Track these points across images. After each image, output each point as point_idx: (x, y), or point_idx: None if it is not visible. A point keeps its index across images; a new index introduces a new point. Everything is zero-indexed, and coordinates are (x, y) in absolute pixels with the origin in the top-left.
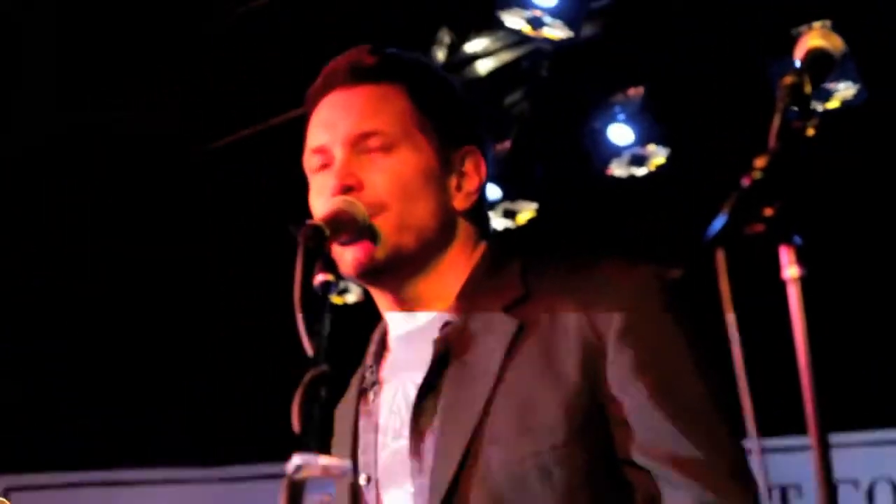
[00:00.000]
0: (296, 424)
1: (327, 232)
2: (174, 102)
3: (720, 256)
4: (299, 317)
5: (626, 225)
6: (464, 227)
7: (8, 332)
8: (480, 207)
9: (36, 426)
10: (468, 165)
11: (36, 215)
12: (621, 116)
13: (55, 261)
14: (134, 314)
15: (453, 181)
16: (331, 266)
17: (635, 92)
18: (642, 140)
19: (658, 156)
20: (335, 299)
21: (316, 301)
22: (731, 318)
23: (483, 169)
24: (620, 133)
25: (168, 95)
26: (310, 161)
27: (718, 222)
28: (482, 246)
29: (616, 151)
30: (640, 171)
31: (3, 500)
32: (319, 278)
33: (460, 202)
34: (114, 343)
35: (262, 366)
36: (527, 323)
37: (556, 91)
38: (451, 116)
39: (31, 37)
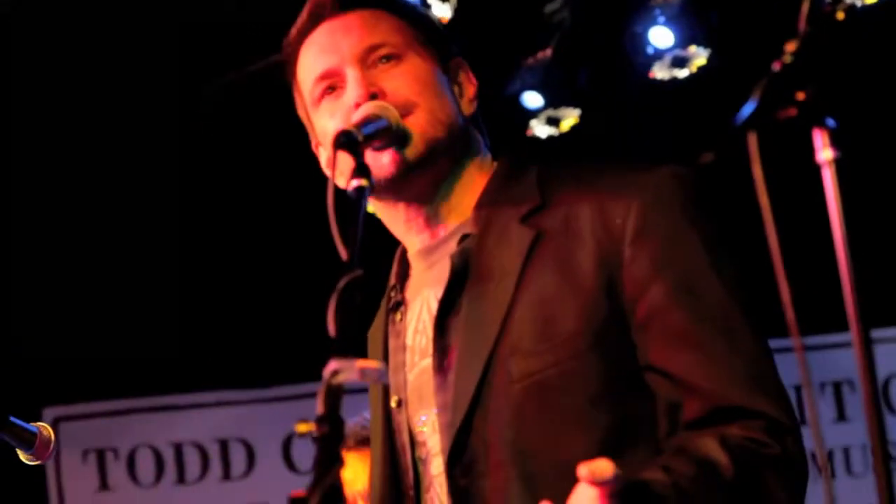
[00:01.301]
0: (331, 329)
1: (360, 137)
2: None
3: (752, 141)
4: (333, 222)
5: (670, 127)
6: (475, 136)
7: (60, 258)
8: (480, 120)
9: (82, 355)
10: (462, 75)
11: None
12: (661, 19)
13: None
14: (171, 238)
15: (455, 89)
16: (364, 171)
17: None
18: (683, 42)
19: (699, 57)
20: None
21: (350, 207)
22: (765, 203)
23: (474, 79)
24: (661, 35)
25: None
26: (313, 91)
27: (750, 107)
28: (490, 158)
29: (657, 54)
30: (682, 73)
31: (46, 425)
32: (353, 183)
33: (466, 107)
34: (158, 267)
35: (305, 285)
36: (543, 231)
37: None
38: (436, 32)
39: None
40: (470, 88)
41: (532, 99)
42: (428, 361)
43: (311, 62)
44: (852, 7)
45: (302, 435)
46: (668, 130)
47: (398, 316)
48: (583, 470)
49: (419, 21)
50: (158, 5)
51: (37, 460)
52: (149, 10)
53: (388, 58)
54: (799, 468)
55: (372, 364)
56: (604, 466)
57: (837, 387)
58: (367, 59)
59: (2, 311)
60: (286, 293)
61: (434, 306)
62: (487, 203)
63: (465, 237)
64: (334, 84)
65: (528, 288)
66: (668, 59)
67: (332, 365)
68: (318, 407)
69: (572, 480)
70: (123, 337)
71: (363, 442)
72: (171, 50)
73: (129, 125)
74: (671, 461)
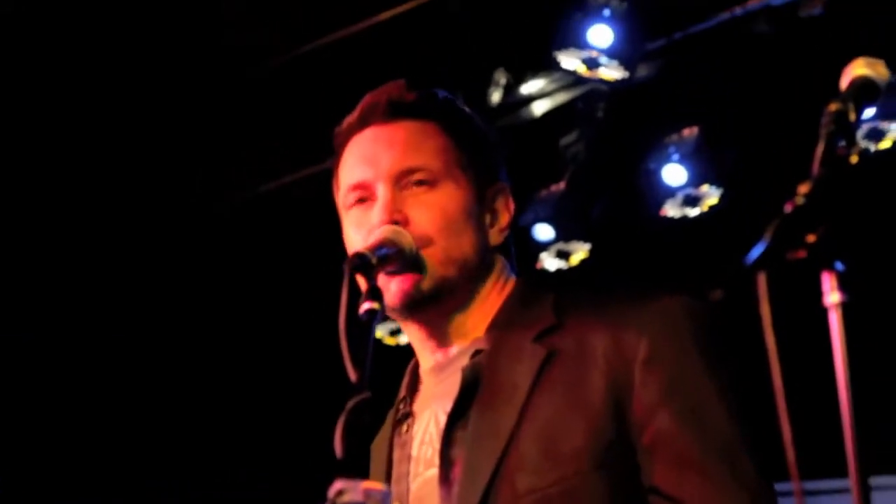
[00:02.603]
0: (338, 449)
1: (374, 260)
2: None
3: (762, 280)
4: (344, 344)
5: (679, 266)
6: (497, 263)
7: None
8: (510, 243)
9: None
10: (500, 202)
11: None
12: (675, 157)
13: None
14: (170, 349)
15: (487, 217)
16: (376, 295)
17: (690, 132)
18: (696, 180)
19: (711, 196)
20: (388, 340)
21: (360, 329)
22: (771, 343)
23: (511, 206)
24: (674, 173)
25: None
26: (346, 197)
27: (760, 246)
28: (513, 280)
29: (670, 192)
30: (694, 212)
31: None
32: (365, 306)
33: (494, 237)
34: (155, 377)
35: (311, 400)
36: (555, 351)
37: (610, 132)
38: (484, 154)
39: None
40: (504, 217)
41: (543, 231)
42: (433, 472)
43: (350, 168)
44: (866, 151)
45: None
46: (678, 268)
47: (405, 427)
48: None
49: (468, 139)
50: None
51: None
52: None
53: (422, 182)
54: None
55: (376, 486)
56: None
57: None
58: (402, 181)
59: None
60: (291, 418)
61: (442, 419)
62: (502, 322)
63: (477, 352)
64: (366, 196)
65: (536, 405)
66: (680, 197)
67: (338, 485)
68: None
69: None
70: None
71: None
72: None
73: None
74: None
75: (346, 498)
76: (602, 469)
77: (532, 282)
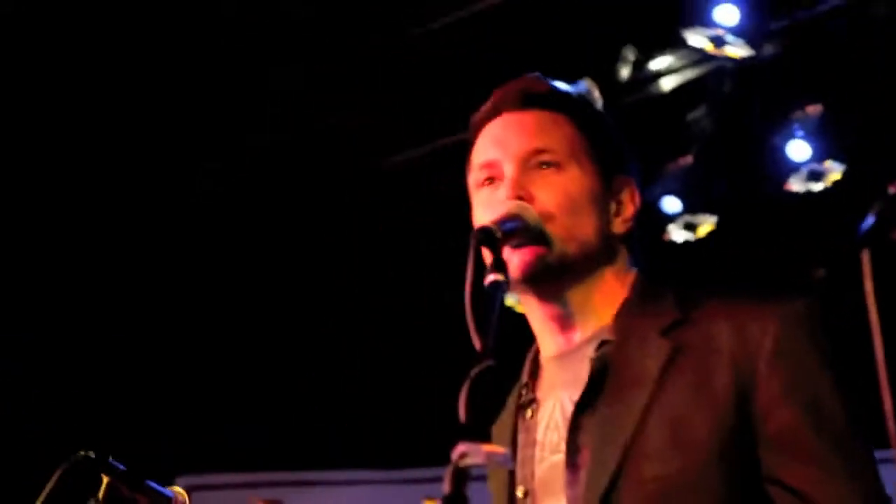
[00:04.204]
0: (462, 413)
1: (499, 234)
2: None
3: (866, 257)
4: (469, 314)
5: (801, 240)
6: (620, 252)
7: (201, 335)
8: (633, 236)
9: (218, 425)
10: (625, 194)
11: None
12: (800, 133)
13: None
14: (308, 318)
15: (612, 207)
16: (501, 267)
17: (814, 109)
18: (820, 156)
19: (835, 171)
20: (519, 308)
21: (486, 300)
22: (874, 318)
23: (638, 199)
24: (799, 149)
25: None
26: (477, 175)
27: (865, 224)
28: (634, 273)
29: (794, 167)
30: (817, 187)
31: (181, 490)
32: (490, 278)
33: (618, 227)
34: (302, 346)
35: (443, 371)
36: (682, 345)
37: (736, 108)
38: (612, 148)
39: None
40: (629, 208)
41: (671, 204)
42: (559, 457)
43: (482, 149)
44: None
45: None
46: (799, 242)
47: (529, 413)
48: None
49: (597, 131)
50: None
51: None
52: None
53: (548, 164)
54: None
55: (498, 449)
56: None
57: None
58: (529, 161)
59: (140, 377)
60: (424, 380)
61: (568, 406)
62: (627, 315)
63: (603, 343)
64: (494, 175)
65: (663, 396)
66: (804, 172)
67: (461, 448)
68: (445, 487)
69: None
70: (261, 411)
71: None
72: None
73: None
74: None
75: (468, 460)
76: (724, 459)
77: (652, 277)
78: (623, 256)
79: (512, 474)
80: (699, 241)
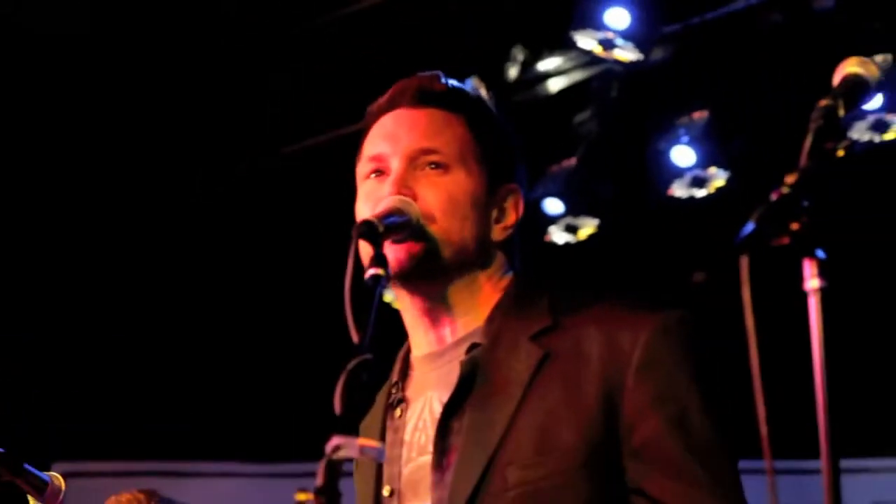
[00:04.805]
0: (337, 406)
1: (381, 228)
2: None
3: (744, 263)
4: (348, 307)
5: (682, 246)
6: (496, 257)
7: (85, 321)
8: (513, 243)
9: (95, 414)
10: (509, 202)
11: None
12: (685, 138)
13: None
14: (191, 313)
15: (494, 213)
16: (382, 261)
17: (700, 115)
18: (704, 162)
19: (718, 178)
20: (396, 304)
21: (365, 294)
22: (750, 324)
23: (521, 208)
24: (683, 154)
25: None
26: (364, 167)
27: (745, 230)
28: (510, 277)
29: (678, 172)
30: (700, 193)
31: (57, 475)
32: (370, 272)
33: (497, 234)
34: (173, 335)
35: (316, 367)
36: (552, 352)
37: (623, 111)
38: (502, 154)
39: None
40: (511, 216)
41: (553, 205)
42: (426, 458)
43: (372, 142)
44: (852, 145)
45: None
46: (679, 247)
47: (398, 412)
48: None
49: (489, 136)
50: None
51: None
52: None
53: (435, 165)
54: None
55: (372, 443)
56: None
57: None
58: (417, 160)
59: (22, 363)
60: (299, 373)
61: (437, 408)
62: (499, 318)
63: (473, 346)
64: (381, 169)
65: (531, 402)
66: (687, 177)
67: (335, 441)
68: (318, 479)
69: None
70: (137, 400)
71: None
72: None
73: None
74: None
75: (342, 453)
76: (590, 466)
77: (527, 281)
78: (499, 261)
79: (378, 472)
80: (580, 244)
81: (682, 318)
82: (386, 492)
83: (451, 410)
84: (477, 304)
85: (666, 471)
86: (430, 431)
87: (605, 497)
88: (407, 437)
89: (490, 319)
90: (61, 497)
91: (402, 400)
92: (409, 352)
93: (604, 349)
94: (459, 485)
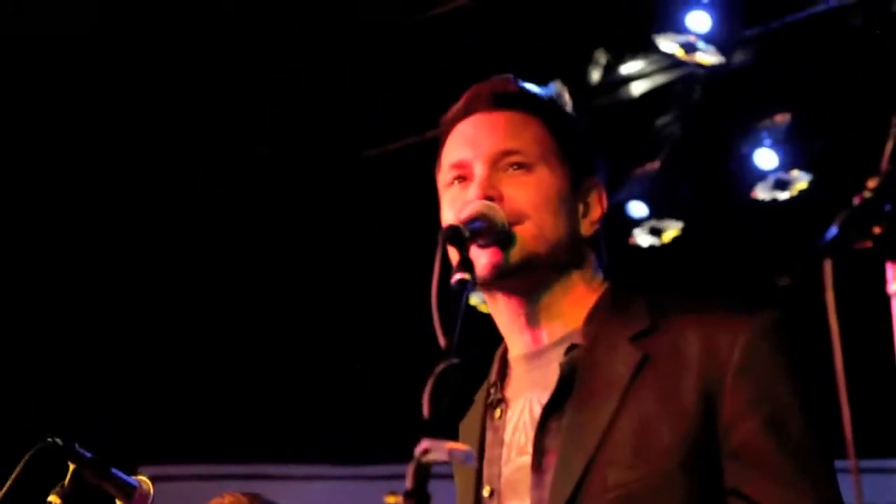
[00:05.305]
0: (425, 410)
1: (466, 233)
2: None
3: (828, 267)
4: (435, 312)
5: (765, 248)
6: (587, 255)
7: (168, 325)
8: (600, 239)
9: (183, 418)
10: (593, 196)
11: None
12: (767, 141)
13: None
14: (279, 316)
15: (580, 208)
16: (468, 266)
17: (782, 118)
18: (786, 165)
19: (801, 181)
20: (482, 307)
21: (451, 299)
22: (834, 327)
23: (605, 202)
24: (766, 157)
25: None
26: (445, 175)
27: (829, 234)
28: (602, 277)
29: (761, 175)
30: (783, 196)
31: (146, 479)
32: (456, 277)
33: (586, 228)
34: (263, 338)
35: (407, 370)
36: (651, 354)
37: (705, 114)
38: (581, 150)
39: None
40: (597, 210)
41: (637, 208)
42: (526, 459)
43: (452, 149)
44: None
45: None
46: (762, 250)
47: (497, 412)
48: None
49: (566, 133)
50: None
51: None
52: None
53: (518, 165)
54: None
55: (460, 447)
56: None
57: None
58: (499, 162)
59: (107, 365)
60: (389, 376)
61: (537, 409)
62: (597, 320)
63: (572, 347)
64: (464, 175)
65: (631, 404)
66: (770, 180)
67: (424, 444)
68: (407, 482)
69: None
70: (226, 403)
71: None
72: None
73: None
74: None
75: (431, 456)
76: (688, 468)
77: (623, 283)
78: (590, 259)
79: (479, 472)
80: (664, 247)
81: (778, 320)
82: (486, 492)
83: (551, 411)
84: (573, 304)
85: (764, 472)
86: (530, 432)
87: (703, 498)
88: (507, 437)
89: (588, 320)
90: (149, 501)
91: (502, 400)
92: (506, 351)
93: (702, 351)
94: (559, 486)
